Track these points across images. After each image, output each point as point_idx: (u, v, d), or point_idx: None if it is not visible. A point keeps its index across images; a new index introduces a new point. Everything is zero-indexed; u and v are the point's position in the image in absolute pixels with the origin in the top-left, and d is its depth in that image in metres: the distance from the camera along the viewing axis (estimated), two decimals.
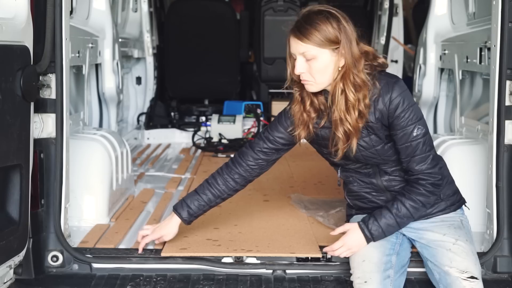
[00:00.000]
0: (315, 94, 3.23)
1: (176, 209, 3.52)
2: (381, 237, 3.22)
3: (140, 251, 3.55)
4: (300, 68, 3.12)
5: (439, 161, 3.29)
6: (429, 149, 3.19)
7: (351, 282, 3.21)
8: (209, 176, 3.54)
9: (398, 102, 3.12)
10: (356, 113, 3.12)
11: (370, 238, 3.21)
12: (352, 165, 3.35)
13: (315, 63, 3.10)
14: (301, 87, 3.24)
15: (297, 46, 3.11)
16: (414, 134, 3.15)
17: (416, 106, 3.18)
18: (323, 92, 3.23)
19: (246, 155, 3.45)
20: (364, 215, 3.31)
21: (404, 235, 3.36)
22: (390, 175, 3.30)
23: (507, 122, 3.52)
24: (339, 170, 3.43)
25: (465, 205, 3.46)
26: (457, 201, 3.39)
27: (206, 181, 3.53)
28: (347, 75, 3.10)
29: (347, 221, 3.53)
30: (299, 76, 3.18)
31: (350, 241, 3.23)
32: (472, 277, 3.13)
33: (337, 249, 3.25)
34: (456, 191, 3.42)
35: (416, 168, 3.17)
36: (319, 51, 3.08)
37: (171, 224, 3.54)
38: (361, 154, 3.25)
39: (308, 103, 3.25)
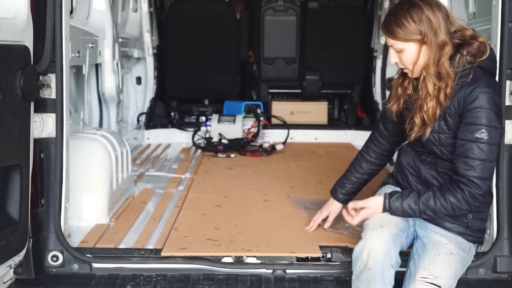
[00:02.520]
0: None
1: (332, 195, 3.85)
2: (396, 213, 3.24)
3: (312, 229, 3.91)
4: (393, 58, 3.28)
5: (491, 179, 3.22)
6: (485, 158, 3.09)
7: (351, 282, 3.21)
8: (354, 158, 3.81)
9: (477, 97, 3.10)
10: (433, 103, 3.17)
11: (387, 207, 3.24)
12: (418, 144, 3.39)
13: (404, 54, 3.22)
14: None
15: (387, 40, 3.27)
16: (475, 135, 3.09)
17: (492, 112, 3.08)
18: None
19: (373, 140, 3.73)
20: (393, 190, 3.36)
21: (414, 230, 3.36)
22: (438, 174, 3.31)
23: (507, 122, 3.52)
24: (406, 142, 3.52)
25: (480, 245, 3.52)
26: (477, 237, 3.36)
27: (352, 164, 3.81)
28: (429, 66, 3.16)
29: (376, 192, 3.62)
30: None
31: (370, 202, 3.30)
32: (432, 284, 3.10)
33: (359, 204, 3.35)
34: (483, 230, 3.40)
35: (461, 171, 3.12)
36: (405, 44, 3.18)
37: (335, 204, 3.83)
38: None
39: (407, 80, 3.35)
